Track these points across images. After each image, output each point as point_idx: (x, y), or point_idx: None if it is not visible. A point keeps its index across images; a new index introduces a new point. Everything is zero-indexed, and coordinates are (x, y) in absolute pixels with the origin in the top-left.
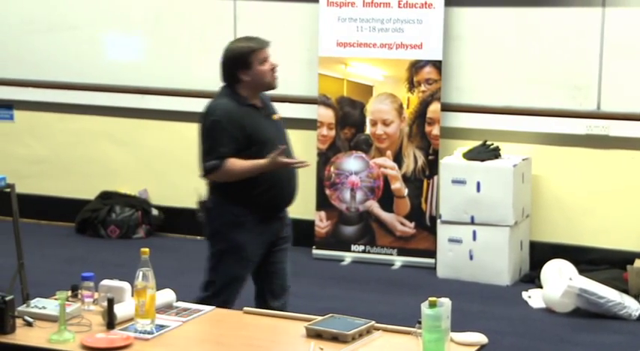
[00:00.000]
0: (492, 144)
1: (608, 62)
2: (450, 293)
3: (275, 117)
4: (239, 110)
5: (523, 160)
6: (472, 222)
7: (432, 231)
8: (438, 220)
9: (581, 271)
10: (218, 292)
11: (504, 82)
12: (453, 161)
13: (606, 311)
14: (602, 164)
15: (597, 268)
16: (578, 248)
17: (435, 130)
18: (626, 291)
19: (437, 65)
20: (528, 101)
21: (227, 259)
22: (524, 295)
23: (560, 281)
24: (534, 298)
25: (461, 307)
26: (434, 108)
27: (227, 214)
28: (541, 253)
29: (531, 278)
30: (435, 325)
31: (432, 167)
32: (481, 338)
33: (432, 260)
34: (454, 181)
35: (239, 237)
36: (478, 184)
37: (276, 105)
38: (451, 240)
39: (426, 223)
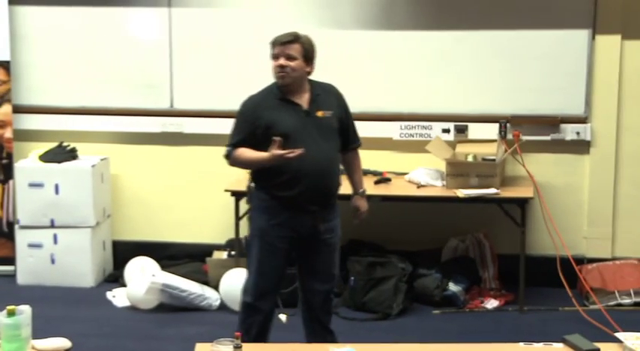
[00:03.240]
0: (69, 145)
1: (178, 61)
2: (32, 300)
3: (320, 114)
4: (265, 102)
5: (101, 160)
6: (52, 225)
7: (10, 237)
8: (16, 226)
9: (164, 267)
10: (254, 285)
11: (77, 82)
12: (28, 164)
13: (189, 304)
14: (178, 160)
15: (178, 262)
16: (160, 244)
17: (8, 133)
18: (206, 282)
19: (5, 65)
20: (103, 101)
21: (255, 243)
22: (109, 295)
23: (143, 278)
24: (119, 297)
25: (44, 312)
26: (5, 110)
27: (255, 199)
28: (124, 252)
29: (115, 278)
30: (15, 334)
31: (6, 171)
32: (64, 343)
33: (11, 267)
34: (31, 185)
35: (261, 221)
36: (56, 186)
37: None
38: (31, 245)
39: (3, 229)
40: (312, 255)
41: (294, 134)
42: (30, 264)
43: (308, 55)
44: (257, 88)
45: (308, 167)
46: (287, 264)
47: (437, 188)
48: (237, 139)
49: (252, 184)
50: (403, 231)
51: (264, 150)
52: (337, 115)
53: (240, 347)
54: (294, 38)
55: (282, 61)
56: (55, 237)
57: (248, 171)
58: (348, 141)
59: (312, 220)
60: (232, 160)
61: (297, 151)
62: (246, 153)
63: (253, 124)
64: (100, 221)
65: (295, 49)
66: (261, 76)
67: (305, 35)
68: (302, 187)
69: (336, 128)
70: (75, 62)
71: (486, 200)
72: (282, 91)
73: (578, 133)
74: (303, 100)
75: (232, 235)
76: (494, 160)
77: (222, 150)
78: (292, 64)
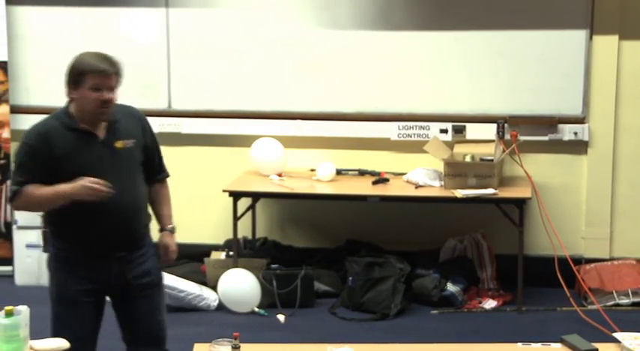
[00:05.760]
0: None
1: (175, 62)
2: (30, 300)
3: (120, 144)
4: (55, 133)
5: None
6: None
7: (8, 237)
8: (14, 226)
9: (163, 267)
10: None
11: None
12: None
13: (187, 304)
14: (175, 161)
15: (176, 262)
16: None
17: (6, 133)
18: (204, 283)
19: (2, 66)
20: None
21: (52, 303)
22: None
23: None
24: None
25: (42, 313)
26: (2, 110)
27: (51, 247)
28: None
29: None
30: (13, 335)
31: (3, 172)
32: (62, 343)
33: (9, 268)
34: None
35: (59, 274)
36: None
37: None
38: (29, 245)
39: (1, 229)
40: (130, 307)
41: (90, 171)
42: (28, 264)
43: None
44: (254, 88)
45: (107, 207)
46: (97, 319)
47: (435, 188)
48: (25, 178)
49: (48, 229)
50: (401, 231)
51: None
52: (140, 144)
53: (239, 348)
54: (117, 69)
55: (107, 95)
56: None
57: (41, 214)
58: (153, 172)
59: (119, 268)
60: (21, 201)
61: (107, 189)
62: (40, 189)
63: (44, 160)
64: None
65: (116, 81)
66: (259, 76)
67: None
68: (101, 230)
69: (139, 160)
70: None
71: (484, 200)
72: (74, 120)
73: (575, 134)
74: (100, 128)
75: (230, 236)
76: (492, 160)
77: (221, 150)
78: (114, 96)
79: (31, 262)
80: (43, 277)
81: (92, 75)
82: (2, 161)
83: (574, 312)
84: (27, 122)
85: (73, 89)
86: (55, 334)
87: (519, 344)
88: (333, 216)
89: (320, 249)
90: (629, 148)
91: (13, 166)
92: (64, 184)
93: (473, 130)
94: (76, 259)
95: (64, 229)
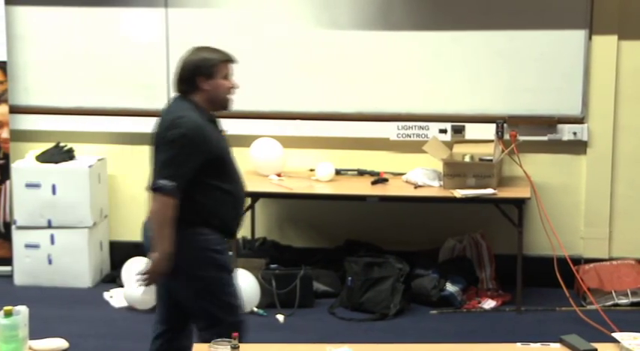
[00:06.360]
0: (66, 145)
1: (175, 61)
2: (29, 300)
3: (224, 133)
4: (205, 125)
5: (99, 160)
6: (49, 226)
7: (7, 238)
8: (13, 226)
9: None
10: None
11: (74, 83)
12: (25, 165)
13: None
14: None
15: None
16: None
17: (5, 133)
18: None
19: (1, 66)
20: (100, 101)
21: (215, 268)
22: (106, 295)
23: None
24: (116, 297)
25: (41, 313)
26: (1, 110)
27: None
28: (121, 253)
29: (113, 278)
30: (12, 335)
31: (3, 172)
32: (61, 343)
33: (8, 268)
34: (28, 185)
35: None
36: (54, 186)
37: None
38: (28, 245)
39: (0, 229)
40: None
41: (229, 160)
42: (27, 264)
43: None
44: (253, 88)
45: (242, 194)
46: None
47: (434, 188)
48: (181, 172)
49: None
50: (400, 231)
51: (208, 186)
52: None
53: (238, 347)
54: None
55: (235, 82)
56: (52, 237)
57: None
58: None
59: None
60: (167, 202)
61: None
62: (171, 211)
63: (201, 152)
64: (97, 222)
65: None
66: (257, 76)
67: None
68: (239, 215)
69: None
70: (72, 63)
71: (483, 200)
72: (205, 112)
73: (575, 134)
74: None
75: None
76: (491, 160)
77: None
78: None
79: (30, 262)
80: (42, 277)
81: (225, 64)
82: (2, 161)
83: (573, 312)
84: (26, 122)
85: (204, 81)
86: (230, 296)
87: (518, 344)
88: (332, 216)
89: (319, 249)
90: (628, 148)
91: (165, 157)
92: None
93: (472, 130)
94: (221, 243)
95: (213, 216)
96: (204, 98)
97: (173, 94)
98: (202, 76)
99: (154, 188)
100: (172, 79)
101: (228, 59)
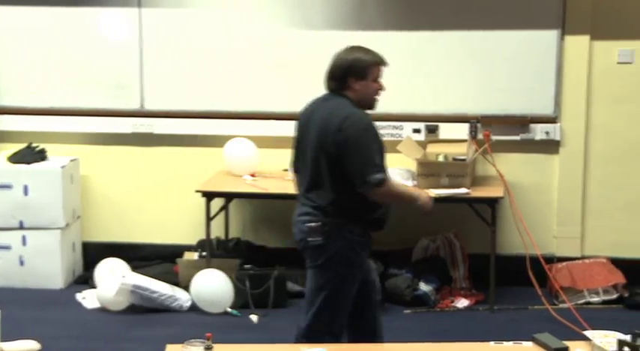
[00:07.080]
0: (38, 146)
1: (148, 62)
2: (1, 302)
3: None
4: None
5: (71, 161)
6: (21, 227)
7: None
8: None
9: (135, 268)
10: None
11: (47, 83)
12: None
13: (159, 305)
14: (148, 161)
15: (150, 263)
16: (131, 245)
17: None
18: (177, 283)
19: None
20: (73, 101)
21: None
22: (79, 296)
23: (114, 279)
24: (89, 298)
25: (13, 315)
26: None
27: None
28: (94, 253)
29: (85, 279)
30: None
31: None
32: (33, 345)
33: None
34: (0, 186)
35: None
36: (25, 187)
37: None
38: (0, 247)
39: None
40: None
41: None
42: None
43: None
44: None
45: None
46: None
47: None
48: (384, 162)
49: (335, 220)
50: None
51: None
52: None
53: (212, 348)
54: None
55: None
56: (24, 238)
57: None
58: None
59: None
60: (386, 189)
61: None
62: (399, 184)
63: (381, 146)
64: (69, 222)
65: None
66: (231, 76)
67: None
68: (382, 214)
69: None
70: (44, 63)
71: (457, 200)
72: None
73: (547, 133)
74: None
75: (203, 236)
76: (464, 160)
77: (194, 150)
78: None
79: (1, 263)
80: (14, 279)
81: (377, 67)
82: None
83: (545, 310)
84: (1, 123)
85: (356, 81)
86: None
87: (492, 343)
88: None
89: (293, 249)
90: (600, 147)
91: (363, 151)
92: (413, 188)
93: (446, 130)
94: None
95: (365, 214)
96: (353, 97)
97: (325, 91)
98: (354, 77)
99: (374, 184)
100: (145, 78)
101: (380, 62)
